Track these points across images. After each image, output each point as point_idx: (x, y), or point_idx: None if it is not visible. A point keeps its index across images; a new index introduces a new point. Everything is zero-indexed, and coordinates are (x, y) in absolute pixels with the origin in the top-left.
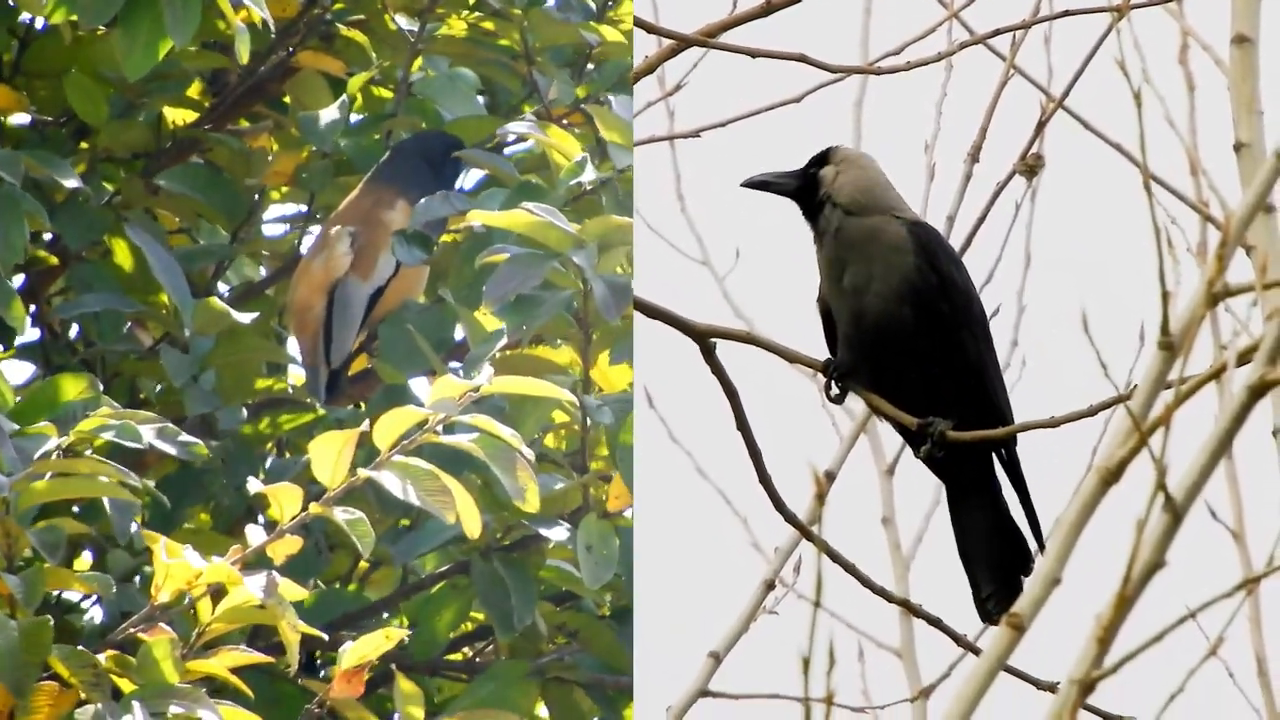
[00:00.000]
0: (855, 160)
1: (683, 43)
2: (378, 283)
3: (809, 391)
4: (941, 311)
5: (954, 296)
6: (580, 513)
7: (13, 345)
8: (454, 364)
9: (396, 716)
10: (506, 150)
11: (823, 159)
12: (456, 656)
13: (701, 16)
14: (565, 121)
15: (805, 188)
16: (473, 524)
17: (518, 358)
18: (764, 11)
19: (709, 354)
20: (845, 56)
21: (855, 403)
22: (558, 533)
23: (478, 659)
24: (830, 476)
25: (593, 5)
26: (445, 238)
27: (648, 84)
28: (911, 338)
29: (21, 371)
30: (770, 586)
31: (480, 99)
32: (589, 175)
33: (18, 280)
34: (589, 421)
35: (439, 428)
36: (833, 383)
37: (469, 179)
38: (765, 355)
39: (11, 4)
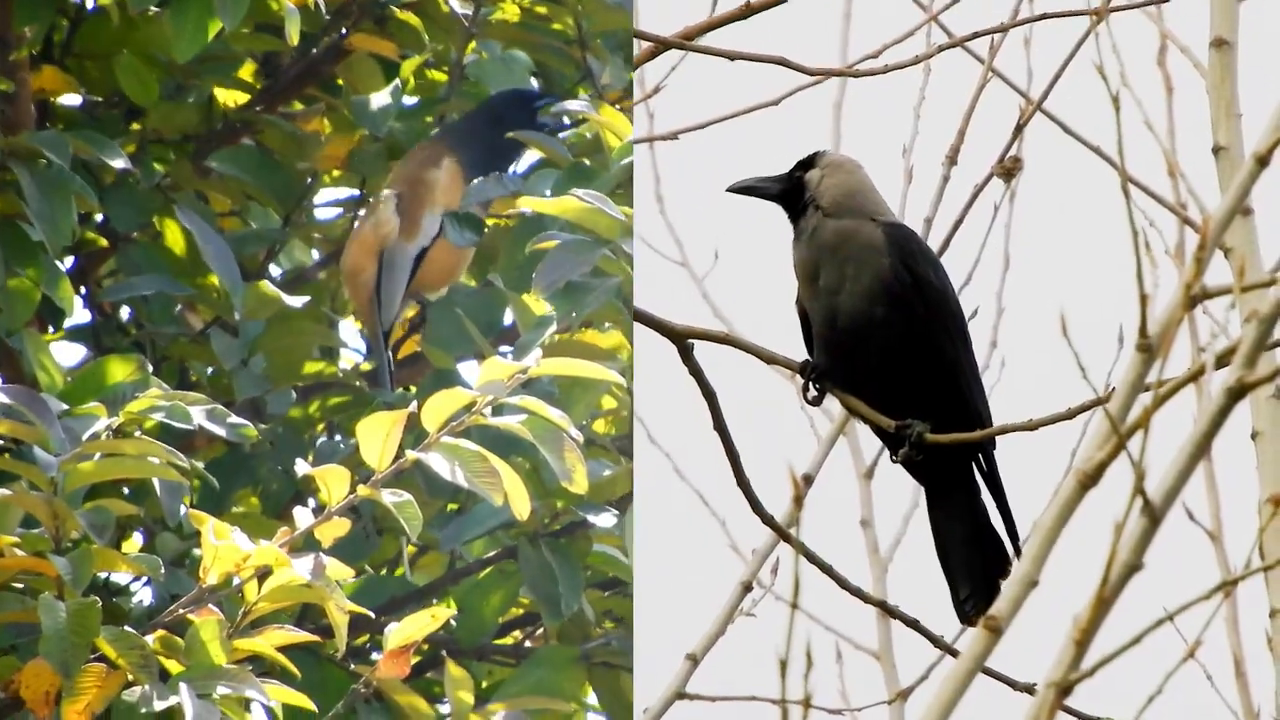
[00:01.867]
0: (841, 165)
1: (662, 45)
2: (422, 242)
3: (787, 393)
4: (916, 312)
5: (929, 297)
6: (627, 500)
7: (62, 327)
8: (503, 348)
9: (445, 701)
10: (560, 133)
11: (809, 163)
12: (504, 641)
13: (681, 19)
14: (618, 106)
15: (790, 191)
16: (521, 506)
17: (566, 342)
18: (743, 14)
19: (687, 355)
20: (824, 59)
21: (834, 405)
22: (605, 519)
23: (526, 644)
24: (808, 479)
25: None
26: (495, 221)
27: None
28: (886, 338)
29: (72, 354)
30: (748, 588)
31: (534, 82)
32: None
33: (67, 262)
34: (630, 407)
35: (487, 410)
36: (810, 384)
37: (521, 162)
38: (744, 356)
39: None
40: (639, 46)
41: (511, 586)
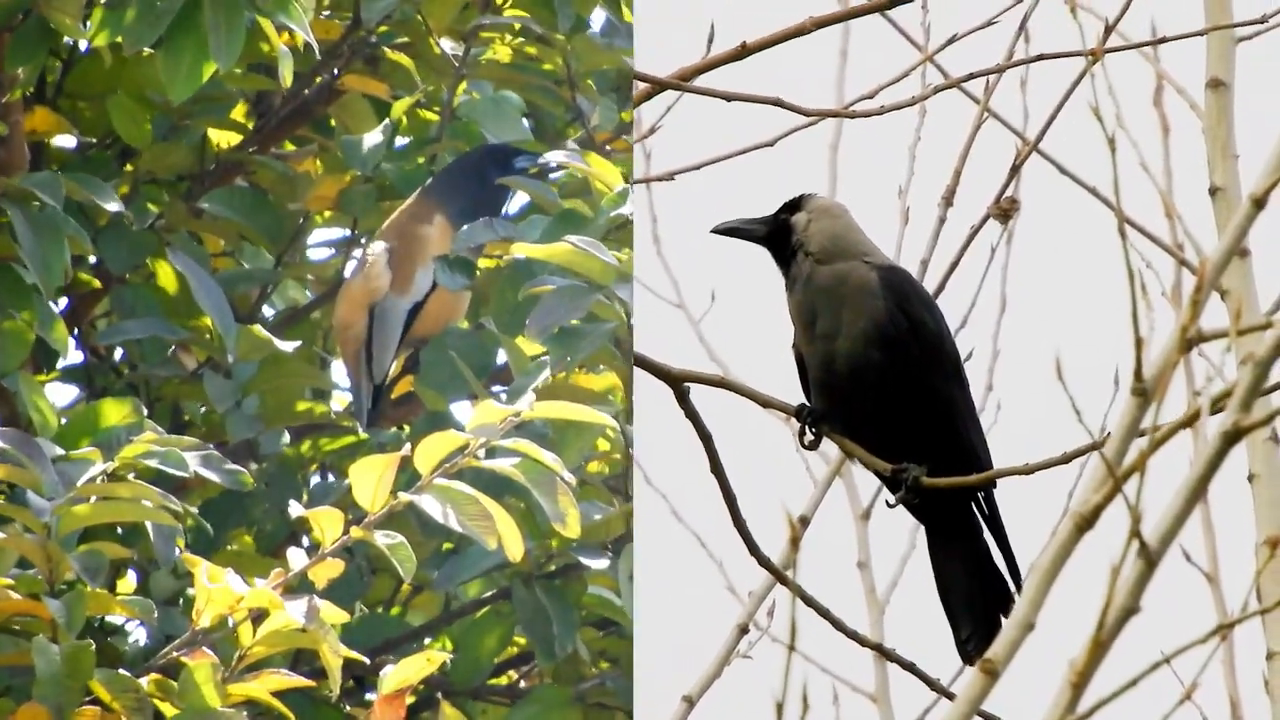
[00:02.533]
0: (827, 209)
1: (658, 86)
2: (415, 297)
3: (784, 436)
4: (912, 355)
5: (925, 339)
6: (622, 541)
7: (56, 368)
8: (495, 389)
9: None
10: (550, 175)
11: (795, 205)
12: (499, 681)
13: (677, 60)
14: (608, 146)
15: (776, 233)
16: (515, 548)
17: (559, 385)
18: (739, 55)
19: (683, 398)
20: (820, 100)
21: (830, 447)
22: (599, 561)
23: (521, 684)
24: (805, 521)
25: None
26: (488, 263)
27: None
28: (882, 381)
29: (65, 394)
30: (744, 630)
31: (525, 123)
32: (629, 207)
33: (61, 304)
34: (631, 450)
35: (480, 452)
36: (807, 429)
37: (513, 204)
38: (740, 399)
39: (54, 27)
40: (635, 87)
41: (506, 627)
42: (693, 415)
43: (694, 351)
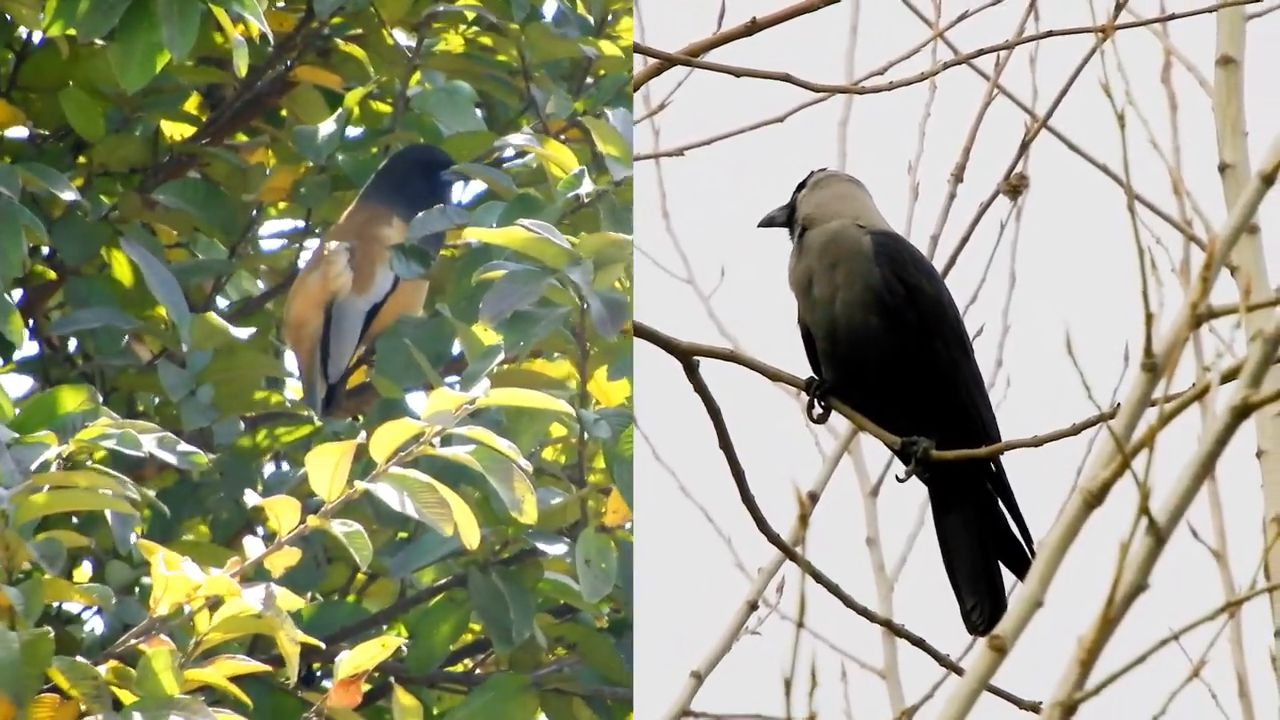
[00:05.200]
0: (828, 178)
1: (668, 61)
2: (375, 298)
3: (793, 410)
4: (910, 321)
5: (922, 306)
6: (578, 527)
7: (11, 359)
8: (451, 378)
9: None
10: (504, 164)
11: (804, 184)
12: (455, 669)
13: (686, 35)
14: (562, 136)
15: (790, 213)
16: (471, 536)
17: (515, 372)
18: (749, 31)
19: (692, 372)
20: (830, 76)
21: (839, 422)
22: (556, 547)
23: (476, 671)
24: (814, 497)
25: (591, 20)
26: (443, 252)
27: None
28: (884, 350)
29: (20, 386)
30: (753, 606)
31: (478, 113)
32: (586, 188)
33: (16, 295)
34: (586, 436)
35: (435, 440)
36: (816, 401)
37: (467, 192)
38: (749, 374)
39: (9, 18)
40: (644, 62)
41: (462, 614)
42: (701, 389)
43: (704, 327)
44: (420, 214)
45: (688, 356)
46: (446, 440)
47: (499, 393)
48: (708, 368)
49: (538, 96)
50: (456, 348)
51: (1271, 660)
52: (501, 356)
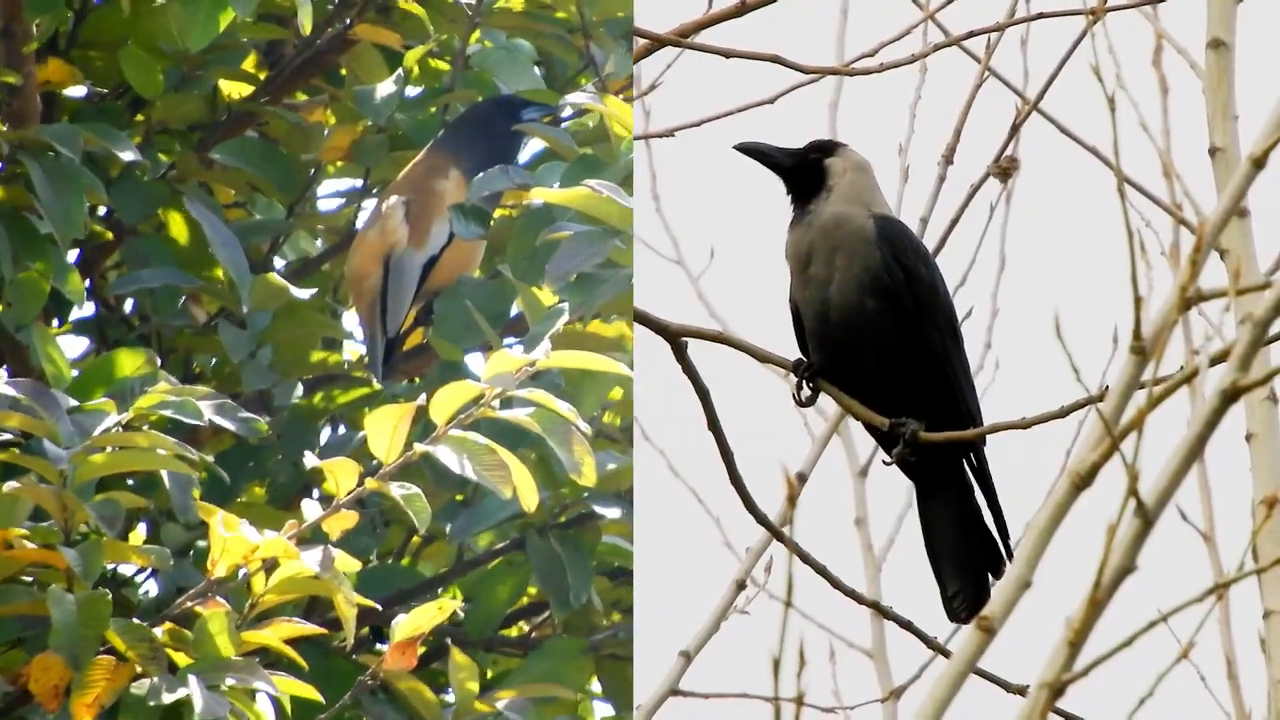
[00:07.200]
0: (862, 165)
1: (657, 42)
2: (431, 251)
3: (782, 392)
4: (906, 306)
5: (918, 291)
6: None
7: (68, 320)
8: (510, 339)
9: (451, 690)
10: (563, 123)
11: (827, 149)
12: (512, 632)
13: (676, 16)
14: (620, 95)
15: (802, 169)
16: (530, 498)
17: (573, 334)
18: (739, 11)
19: (681, 353)
20: (820, 57)
21: (828, 403)
22: (613, 510)
23: (533, 634)
24: (802, 478)
25: None
26: (502, 212)
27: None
28: (878, 333)
29: (76, 346)
30: (741, 586)
31: (537, 71)
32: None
33: (73, 255)
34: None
35: (495, 403)
36: (803, 383)
37: (525, 152)
38: (738, 355)
39: None
40: (635, 43)
41: (519, 578)
42: (690, 371)
43: (693, 309)
44: (482, 173)
45: (677, 338)
46: (506, 403)
47: (560, 355)
48: (697, 349)
49: (597, 55)
50: (516, 308)
51: (1260, 642)
52: (565, 318)
